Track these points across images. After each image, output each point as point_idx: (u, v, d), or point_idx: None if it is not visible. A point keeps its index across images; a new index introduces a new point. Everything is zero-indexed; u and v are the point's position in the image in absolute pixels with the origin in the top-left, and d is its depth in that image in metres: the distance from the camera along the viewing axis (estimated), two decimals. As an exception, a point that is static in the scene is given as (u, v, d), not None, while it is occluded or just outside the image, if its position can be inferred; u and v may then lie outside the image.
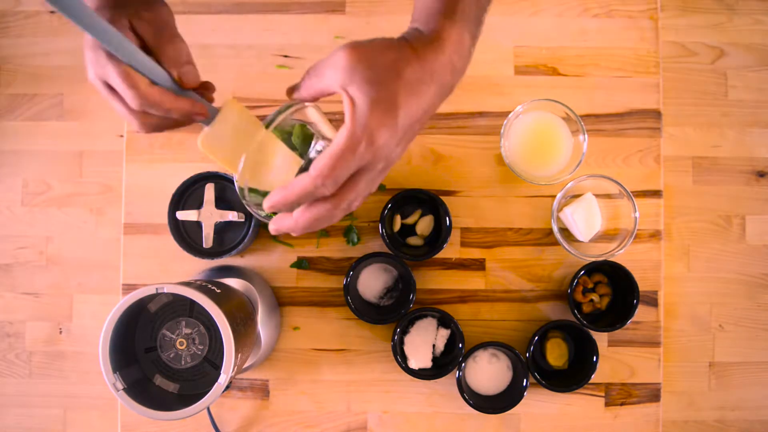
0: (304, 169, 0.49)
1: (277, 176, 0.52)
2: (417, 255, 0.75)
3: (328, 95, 0.46)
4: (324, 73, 0.44)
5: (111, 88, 0.49)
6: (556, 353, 0.76)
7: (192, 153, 0.81)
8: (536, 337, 0.74)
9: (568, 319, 0.76)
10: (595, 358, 0.73)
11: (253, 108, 0.81)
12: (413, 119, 0.43)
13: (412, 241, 0.78)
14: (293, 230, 0.46)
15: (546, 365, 0.77)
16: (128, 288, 0.80)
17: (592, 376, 0.73)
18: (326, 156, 0.41)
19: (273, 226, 0.47)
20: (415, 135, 0.45)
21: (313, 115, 0.51)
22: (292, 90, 0.48)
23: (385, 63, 0.42)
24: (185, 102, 0.49)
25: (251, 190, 0.65)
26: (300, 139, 0.68)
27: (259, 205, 0.51)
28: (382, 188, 0.80)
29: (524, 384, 0.72)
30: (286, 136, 0.68)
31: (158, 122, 0.50)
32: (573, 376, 0.75)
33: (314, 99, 0.47)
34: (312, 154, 0.51)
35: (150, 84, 0.47)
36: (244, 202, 0.52)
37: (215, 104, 0.52)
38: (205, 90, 0.52)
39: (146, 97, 0.46)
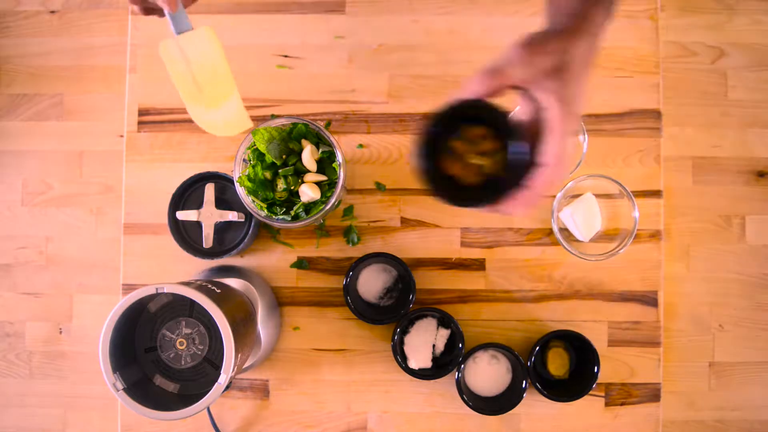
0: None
1: (222, 119, 0.55)
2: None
3: (500, 94, 0.49)
4: (503, 72, 0.48)
5: None
6: (557, 363, 0.76)
7: (192, 153, 0.81)
8: (537, 347, 0.74)
9: (569, 323, 0.76)
10: (596, 369, 0.73)
11: (254, 108, 0.81)
12: (584, 88, 0.49)
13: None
14: (534, 203, 0.49)
15: (547, 374, 0.77)
16: (128, 288, 0.80)
17: (593, 386, 0.73)
18: (556, 143, 0.46)
19: (520, 211, 0.49)
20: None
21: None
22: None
23: (558, 51, 0.48)
24: None
25: (251, 193, 0.65)
26: (299, 137, 0.68)
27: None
28: (382, 188, 0.80)
29: (523, 386, 0.72)
30: (285, 135, 0.68)
31: None
32: (574, 386, 0.75)
33: (492, 94, 0.49)
34: None
35: None
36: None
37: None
38: None
39: None
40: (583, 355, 0.76)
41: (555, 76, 0.47)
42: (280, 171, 0.68)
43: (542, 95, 0.47)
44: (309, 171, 0.68)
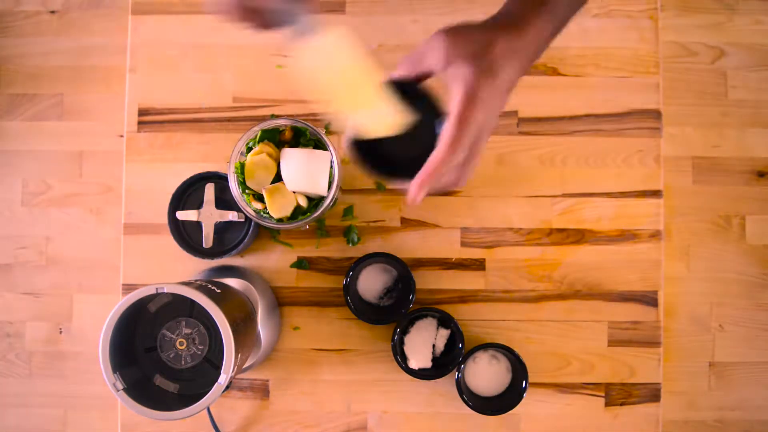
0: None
1: (379, 124, 0.50)
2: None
3: (427, 77, 0.50)
4: (425, 56, 0.49)
5: None
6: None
7: (192, 153, 0.81)
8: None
9: (569, 322, 0.76)
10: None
11: (253, 108, 0.81)
12: (507, 85, 0.49)
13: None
14: (424, 186, 0.49)
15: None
16: (128, 288, 0.80)
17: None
18: (451, 125, 0.46)
19: (412, 196, 0.49)
20: (505, 103, 0.50)
21: None
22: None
23: (480, 41, 0.48)
24: None
25: (241, 184, 0.64)
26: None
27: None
28: (382, 188, 0.80)
29: (523, 386, 0.73)
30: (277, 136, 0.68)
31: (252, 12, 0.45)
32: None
33: (415, 80, 0.51)
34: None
35: None
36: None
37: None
38: None
39: None
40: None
41: (471, 62, 0.47)
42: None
43: (452, 81, 0.47)
44: None
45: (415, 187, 0.49)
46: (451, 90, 0.47)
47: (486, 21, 0.50)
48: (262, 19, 0.45)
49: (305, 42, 0.46)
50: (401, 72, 0.50)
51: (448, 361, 0.75)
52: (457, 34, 0.48)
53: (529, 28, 0.49)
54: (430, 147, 0.48)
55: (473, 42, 0.48)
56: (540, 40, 0.50)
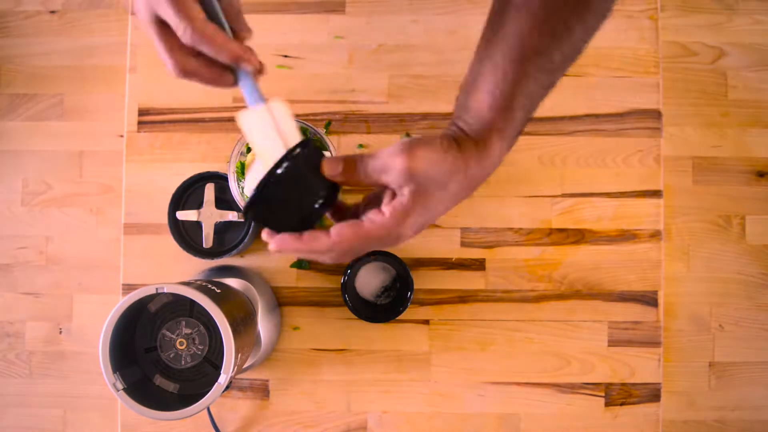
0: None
1: None
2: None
3: (379, 185, 0.48)
4: (386, 169, 0.46)
5: (160, 24, 0.46)
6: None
7: (192, 153, 0.81)
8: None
9: (568, 322, 0.76)
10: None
11: (253, 108, 0.81)
12: (435, 215, 0.47)
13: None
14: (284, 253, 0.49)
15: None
16: (128, 288, 0.80)
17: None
18: (354, 232, 0.45)
19: (273, 248, 0.47)
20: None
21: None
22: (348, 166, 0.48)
23: (438, 175, 0.45)
24: (238, 45, 0.48)
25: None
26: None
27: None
28: (382, 188, 0.80)
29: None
30: None
31: (196, 67, 0.48)
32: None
33: (370, 185, 0.48)
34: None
35: (206, 19, 0.46)
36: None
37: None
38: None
39: (202, 31, 0.45)
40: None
41: (421, 184, 0.44)
42: None
43: (406, 195, 0.45)
44: None
45: (273, 247, 0.47)
46: (384, 203, 0.46)
47: (451, 149, 0.46)
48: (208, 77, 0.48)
49: (248, 105, 0.49)
50: (360, 177, 0.47)
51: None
52: (420, 161, 0.45)
53: (490, 157, 0.47)
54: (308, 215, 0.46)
55: (430, 177, 0.45)
56: (496, 162, 0.48)
